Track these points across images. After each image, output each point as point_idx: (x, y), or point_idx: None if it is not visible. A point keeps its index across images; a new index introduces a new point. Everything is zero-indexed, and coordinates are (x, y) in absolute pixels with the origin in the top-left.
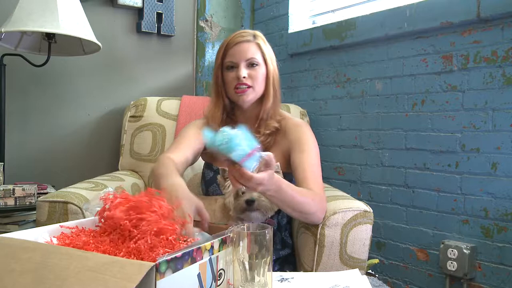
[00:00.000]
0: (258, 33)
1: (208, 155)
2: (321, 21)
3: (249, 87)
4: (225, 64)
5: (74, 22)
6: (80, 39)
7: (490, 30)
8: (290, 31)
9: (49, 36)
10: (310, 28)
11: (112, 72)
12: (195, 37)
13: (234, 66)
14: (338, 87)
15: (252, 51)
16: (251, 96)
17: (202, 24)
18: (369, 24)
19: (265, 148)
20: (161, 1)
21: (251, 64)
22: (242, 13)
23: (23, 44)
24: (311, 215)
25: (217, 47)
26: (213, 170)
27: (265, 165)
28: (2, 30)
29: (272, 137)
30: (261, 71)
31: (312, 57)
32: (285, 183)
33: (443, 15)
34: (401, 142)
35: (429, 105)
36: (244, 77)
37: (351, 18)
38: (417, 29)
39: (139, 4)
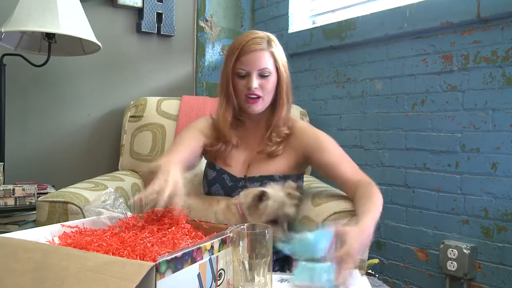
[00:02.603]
0: (272, 37)
1: (211, 154)
2: (321, 21)
3: (259, 97)
4: (237, 71)
5: (74, 22)
6: (80, 39)
7: (490, 30)
8: (290, 31)
9: (49, 36)
10: (310, 28)
11: (112, 72)
12: (195, 37)
13: (246, 75)
14: (338, 87)
15: (265, 61)
16: (260, 106)
17: (202, 24)
18: (369, 24)
19: (276, 155)
20: (161, 1)
21: (263, 74)
22: (242, 13)
23: (23, 44)
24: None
25: (217, 47)
26: (216, 170)
27: (341, 242)
28: (2, 30)
29: (283, 143)
30: (272, 80)
31: (312, 57)
32: (367, 220)
33: (443, 15)
34: (401, 142)
35: (429, 105)
36: (255, 88)
37: (351, 18)
38: (417, 29)
39: (139, 4)
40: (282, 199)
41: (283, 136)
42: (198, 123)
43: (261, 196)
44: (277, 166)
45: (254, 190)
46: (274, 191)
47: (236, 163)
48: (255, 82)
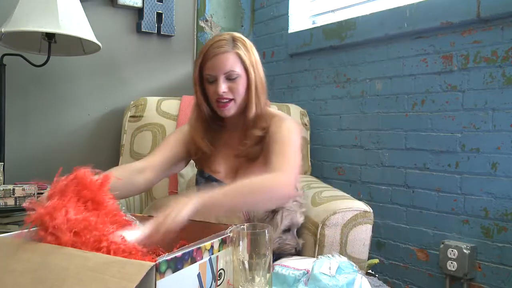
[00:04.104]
0: (237, 37)
1: (200, 161)
2: (321, 21)
3: (230, 100)
4: (205, 77)
5: (74, 22)
6: (80, 39)
7: (490, 30)
8: (290, 31)
9: (49, 36)
10: (310, 28)
11: (112, 72)
12: (195, 37)
13: (214, 80)
14: (338, 87)
15: (230, 63)
16: (232, 110)
17: (202, 24)
18: (369, 24)
19: (255, 158)
20: (161, 1)
21: (231, 77)
22: (242, 13)
23: (23, 44)
24: (272, 192)
25: None
26: (205, 177)
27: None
28: (2, 30)
29: (260, 145)
30: (242, 82)
31: (312, 57)
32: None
33: (443, 15)
34: (401, 142)
35: (429, 105)
36: (224, 92)
37: (351, 18)
38: (417, 29)
39: (139, 4)
40: (294, 208)
41: (256, 140)
42: (183, 129)
43: (275, 210)
44: (262, 166)
45: None
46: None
47: (224, 169)
48: (223, 86)
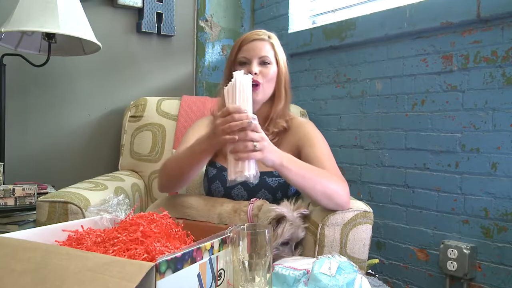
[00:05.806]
0: (273, 34)
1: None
2: (321, 21)
3: (258, 85)
4: (238, 59)
5: (74, 22)
6: (80, 39)
7: (490, 30)
8: (290, 31)
9: (49, 36)
10: (310, 28)
11: (112, 72)
12: (195, 37)
13: (247, 63)
14: (338, 87)
15: (266, 50)
16: (260, 95)
17: (202, 24)
18: (369, 24)
19: None
20: (161, 1)
21: (264, 62)
22: (242, 13)
23: (23, 44)
24: (336, 193)
25: (217, 47)
26: (216, 167)
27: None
28: (2, 30)
29: (280, 136)
30: (272, 70)
31: (312, 57)
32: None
33: (443, 15)
34: (401, 142)
35: (429, 105)
36: (255, 73)
37: (351, 18)
38: (417, 29)
39: (139, 4)
40: (297, 222)
41: (280, 129)
42: (201, 123)
43: (280, 220)
44: None
45: (271, 211)
46: (290, 214)
47: None
48: (256, 68)
